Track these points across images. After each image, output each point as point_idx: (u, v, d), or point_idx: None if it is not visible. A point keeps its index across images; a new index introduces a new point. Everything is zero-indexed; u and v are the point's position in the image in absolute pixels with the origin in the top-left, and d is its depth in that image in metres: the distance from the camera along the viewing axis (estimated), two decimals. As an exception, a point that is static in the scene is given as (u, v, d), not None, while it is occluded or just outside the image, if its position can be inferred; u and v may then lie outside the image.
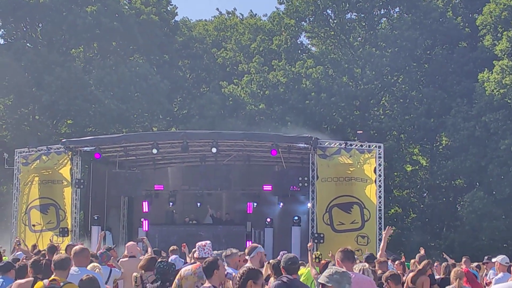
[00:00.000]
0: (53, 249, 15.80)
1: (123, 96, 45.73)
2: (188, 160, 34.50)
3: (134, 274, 12.07)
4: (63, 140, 30.96)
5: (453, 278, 13.17)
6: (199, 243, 10.04)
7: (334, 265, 9.57)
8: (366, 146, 28.61)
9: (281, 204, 33.38)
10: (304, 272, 15.27)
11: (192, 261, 14.04)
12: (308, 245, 15.66)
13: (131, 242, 17.18)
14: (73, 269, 10.02)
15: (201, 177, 32.42)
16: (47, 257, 14.26)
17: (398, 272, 13.46)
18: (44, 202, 29.98)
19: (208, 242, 10.06)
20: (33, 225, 29.76)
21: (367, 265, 10.94)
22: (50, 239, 23.42)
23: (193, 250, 14.55)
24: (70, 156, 30.00)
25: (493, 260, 14.67)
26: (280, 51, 49.62)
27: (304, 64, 45.51)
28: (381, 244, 14.69)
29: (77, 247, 10.79)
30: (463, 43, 48.05)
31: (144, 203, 33.80)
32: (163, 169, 35.65)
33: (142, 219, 32.50)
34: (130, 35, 47.97)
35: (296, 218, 29.68)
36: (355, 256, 9.71)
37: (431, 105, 42.97)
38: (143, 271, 12.04)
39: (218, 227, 32.22)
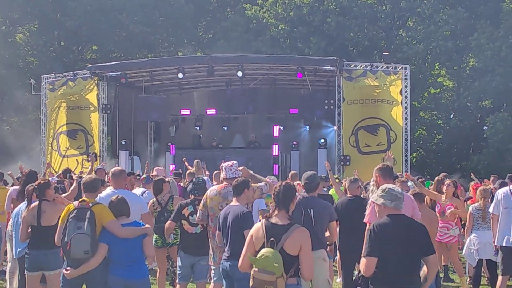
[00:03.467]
0: (66, 171, 16.05)
1: (148, 21, 45.52)
2: (214, 84, 34.52)
3: (150, 201, 12.25)
4: (89, 66, 31.04)
5: (479, 197, 13.22)
6: (225, 164, 10.10)
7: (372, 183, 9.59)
8: (392, 68, 28.47)
9: (307, 127, 33.47)
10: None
11: (215, 182, 14.25)
12: (325, 164, 15.87)
13: (159, 167, 17.54)
14: (112, 190, 10.20)
15: (227, 101, 32.48)
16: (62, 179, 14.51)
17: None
18: (72, 128, 30.31)
19: (235, 162, 10.12)
20: (63, 150, 30.14)
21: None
22: (77, 161, 23.65)
23: (214, 172, 14.76)
24: (96, 82, 30.18)
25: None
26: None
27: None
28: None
29: (115, 169, 10.90)
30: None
31: (170, 127, 34.02)
32: (189, 93, 35.70)
33: (169, 144, 32.77)
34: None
35: (322, 141, 29.83)
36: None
37: (457, 26, 42.33)
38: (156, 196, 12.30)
39: (245, 150, 32.39)
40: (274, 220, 7.03)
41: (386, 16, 44.44)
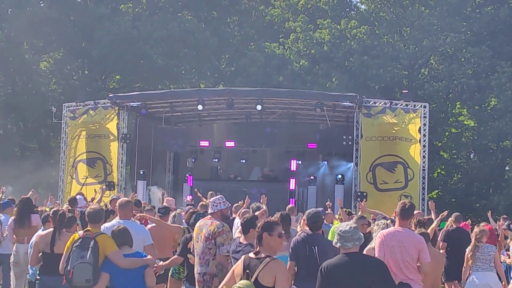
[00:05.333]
0: (73, 201, 16.19)
1: (171, 52, 45.90)
2: (234, 117, 34.69)
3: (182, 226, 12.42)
4: (110, 95, 31.29)
5: (472, 236, 13.27)
6: (211, 198, 10.24)
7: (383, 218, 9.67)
8: (411, 106, 28.46)
9: (325, 162, 33.49)
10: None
11: (234, 215, 14.40)
12: (337, 200, 15.95)
13: (170, 198, 17.70)
14: (117, 221, 10.29)
15: (246, 134, 32.60)
16: (69, 208, 14.68)
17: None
18: (91, 156, 30.47)
19: (219, 196, 10.20)
20: (81, 179, 30.33)
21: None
22: (95, 191, 23.78)
23: (235, 205, 14.92)
24: (116, 111, 30.38)
25: None
26: (327, 8, 49.28)
27: (348, 25, 45.16)
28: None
29: (122, 200, 11.00)
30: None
31: (189, 158, 34.16)
32: (208, 125, 35.86)
33: (187, 175, 32.85)
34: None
35: (339, 176, 29.80)
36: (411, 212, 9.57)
37: (479, 66, 42.34)
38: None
39: (262, 183, 32.43)
40: (252, 255, 7.11)
41: (408, 55, 44.48)
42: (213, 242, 9.53)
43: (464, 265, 13.31)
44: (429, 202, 16.58)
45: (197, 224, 10.07)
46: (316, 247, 9.80)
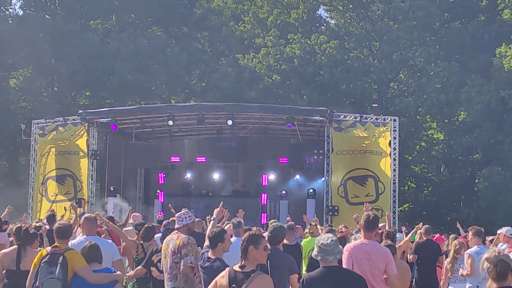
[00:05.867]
0: (51, 217, 16.04)
1: (141, 68, 45.87)
2: (205, 132, 34.64)
3: (137, 242, 12.35)
4: (79, 111, 31.11)
5: (451, 248, 13.33)
6: (178, 213, 10.19)
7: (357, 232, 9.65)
8: (381, 119, 28.63)
9: (297, 176, 33.51)
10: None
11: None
12: (313, 218, 15.93)
13: (136, 214, 17.71)
14: (81, 237, 10.23)
15: (217, 149, 32.59)
16: (47, 225, 14.54)
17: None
18: (61, 173, 30.28)
19: (184, 211, 10.14)
20: (51, 196, 30.09)
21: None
22: (64, 208, 23.61)
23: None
24: (86, 127, 30.21)
25: (498, 231, 14.60)
26: (297, 24, 49.49)
27: (318, 40, 45.35)
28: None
29: (87, 215, 10.96)
30: (481, 17, 47.71)
31: (160, 174, 34.04)
32: (179, 141, 35.77)
33: (158, 191, 32.72)
34: (149, 7, 47.98)
35: (311, 190, 29.84)
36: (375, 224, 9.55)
37: (448, 80, 42.70)
38: (142, 241, 12.31)
39: (233, 198, 32.33)
40: (237, 267, 7.06)
41: (378, 69, 44.72)
42: (179, 256, 9.48)
43: (443, 277, 13.35)
44: (386, 213, 16.64)
45: (165, 240, 10.03)
46: (268, 261, 9.61)
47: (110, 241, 11.56)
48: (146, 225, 12.83)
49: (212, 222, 10.09)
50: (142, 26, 49.97)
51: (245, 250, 7.12)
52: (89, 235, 10.22)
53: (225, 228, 10.80)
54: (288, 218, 16.09)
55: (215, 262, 8.62)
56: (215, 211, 10.28)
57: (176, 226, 9.97)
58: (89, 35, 45.47)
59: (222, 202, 10.57)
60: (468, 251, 12.48)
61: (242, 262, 7.08)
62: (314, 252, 7.56)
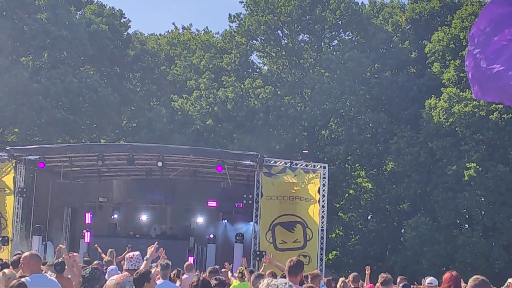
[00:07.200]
0: None
1: (71, 107, 45.34)
2: (134, 173, 34.38)
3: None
4: (7, 148, 30.55)
5: None
6: (127, 255, 10.04)
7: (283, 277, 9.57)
8: (311, 166, 28.83)
9: (225, 220, 33.44)
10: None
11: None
12: (242, 261, 15.87)
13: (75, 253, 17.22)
14: (25, 278, 9.53)
15: (146, 191, 32.35)
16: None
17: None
18: (-15, 210, 29.58)
19: (137, 253, 10.05)
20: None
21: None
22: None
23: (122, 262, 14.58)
24: (14, 164, 29.63)
25: (422, 282, 14.78)
26: (229, 69, 49.76)
27: (253, 84, 45.66)
28: None
29: (29, 253, 10.28)
30: (411, 69, 48.72)
31: (87, 214, 33.50)
32: (108, 181, 35.40)
33: (84, 231, 32.20)
34: (81, 45, 47.64)
35: (239, 235, 29.73)
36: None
37: (377, 130, 43.38)
38: None
39: (161, 241, 31.97)
40: None
41: (309, 116, 45.13)
42: None
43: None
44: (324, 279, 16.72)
45: (115, 281, 9.86)
46: None
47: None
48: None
49: (145, 261, 9.96)
50: (74, 64, 49.54)
51: None
52: (32, 273, 9.40)
53: (152, 270, 10.65)
54: (243, 260, 15.95)
55: None
56: (149, 250, 10.17)
57: (127, 267, 9.82)
58: (18, 72, 44.85)
59: (156, 242, 10.48)
60: None
61: None
62: None
